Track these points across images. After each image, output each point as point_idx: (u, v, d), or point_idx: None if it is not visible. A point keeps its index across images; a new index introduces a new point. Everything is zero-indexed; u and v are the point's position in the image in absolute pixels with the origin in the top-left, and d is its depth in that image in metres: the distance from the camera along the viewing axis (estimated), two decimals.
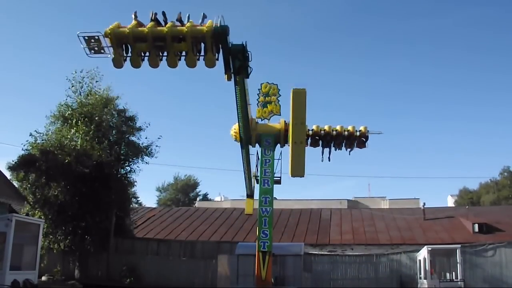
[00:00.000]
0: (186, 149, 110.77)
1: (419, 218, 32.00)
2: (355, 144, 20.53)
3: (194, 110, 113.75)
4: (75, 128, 26.04)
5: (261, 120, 19.92)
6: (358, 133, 20.33)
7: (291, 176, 18.28)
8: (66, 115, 26.64)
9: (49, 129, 26.66)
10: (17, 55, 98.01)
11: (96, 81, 27.91)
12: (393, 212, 34.65)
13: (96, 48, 13.39)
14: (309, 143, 20.35)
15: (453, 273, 21.85)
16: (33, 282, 15.99)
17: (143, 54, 13.59)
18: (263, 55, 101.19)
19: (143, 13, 13.88)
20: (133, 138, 28.39)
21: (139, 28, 13.23)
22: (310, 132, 20.26)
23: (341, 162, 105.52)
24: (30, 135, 25.48)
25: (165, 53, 13.50)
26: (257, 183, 19.59)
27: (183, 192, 68.94)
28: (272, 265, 18.52)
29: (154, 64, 13.49)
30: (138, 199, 48.12)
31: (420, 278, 23.24)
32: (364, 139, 20.53)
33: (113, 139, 27.82)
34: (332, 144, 20.38)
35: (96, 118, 26.58)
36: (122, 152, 27.95)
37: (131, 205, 31.57)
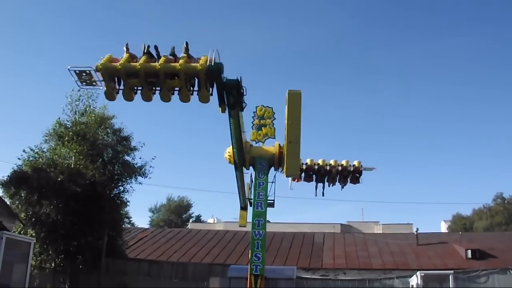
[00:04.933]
0: (180, 171, 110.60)
1: (412, 243, 31.91)
2: (348, 180, 21.20)
3: (188, 132, 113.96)
4: (68, 146, 26.00)
5: (256, 143, 19.98)
6: (352, 168, 21.02)
7: (286, 176, 18.59)
8: (60, 133, 26.62)
9: (43, 146, 26.55)
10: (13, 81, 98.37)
11: (92, 100, 28.00)
12: (386, 237, 34.54)
13: (87, 81, 13.35)
14: (303, 177, 21.05)
15: None
16: None
17: (136, 88, 13.43)
18: (259, 77, 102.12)
19: (135, 45, 13.81)
20: (127, 158, 28.35)
21: (131, 64, 12.93)
22: (304, 167, 20.86)
23: (335, 187, 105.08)
24: (23, 151, 25.31)
25: (158, 88, 13.34)
26: (250, 206, 19.56)
27: (176, 213, 68.45)
28: None
29: (147, 98, 13.34)
30: (131, 219, 47.71)
31: None
32: (358, 175, 21.19)
33: (107, 158, 27.73)
34: (326, 179, 21.04)
35: (91, 137, 26.58)
36: (116, 171, 27.87)
37: (123, 225, 31.34)
